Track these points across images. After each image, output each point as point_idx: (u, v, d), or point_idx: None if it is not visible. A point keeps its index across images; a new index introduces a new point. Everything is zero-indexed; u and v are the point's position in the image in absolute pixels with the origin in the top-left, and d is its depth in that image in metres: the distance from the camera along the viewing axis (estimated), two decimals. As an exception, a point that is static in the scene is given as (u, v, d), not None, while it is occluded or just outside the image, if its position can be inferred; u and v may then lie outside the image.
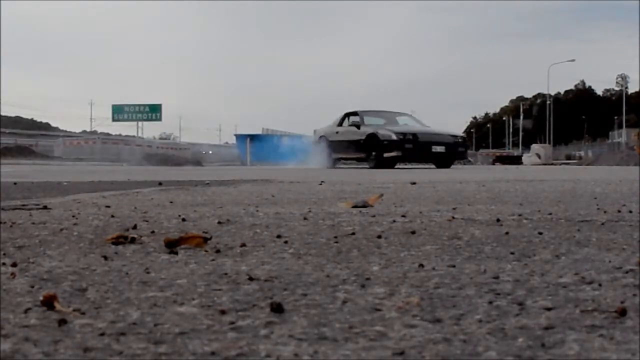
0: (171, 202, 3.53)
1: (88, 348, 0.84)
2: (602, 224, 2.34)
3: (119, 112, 42.65)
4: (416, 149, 16.72)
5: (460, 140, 17.92)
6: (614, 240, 1.88)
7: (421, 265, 1.45)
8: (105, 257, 1.57)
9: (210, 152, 47.42)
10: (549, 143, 58.19)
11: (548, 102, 69.25)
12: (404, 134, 16.79)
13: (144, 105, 42.54)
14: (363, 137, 17.17)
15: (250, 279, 1.30)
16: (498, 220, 2.48)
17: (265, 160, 25.98)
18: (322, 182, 6.18)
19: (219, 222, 2.43)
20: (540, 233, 2.05)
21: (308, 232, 2.13)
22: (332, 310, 1.04)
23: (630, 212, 2.80)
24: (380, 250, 1.69)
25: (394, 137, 16.67)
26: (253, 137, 28.43)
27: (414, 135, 16.87)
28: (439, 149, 17.00)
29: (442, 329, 0.93)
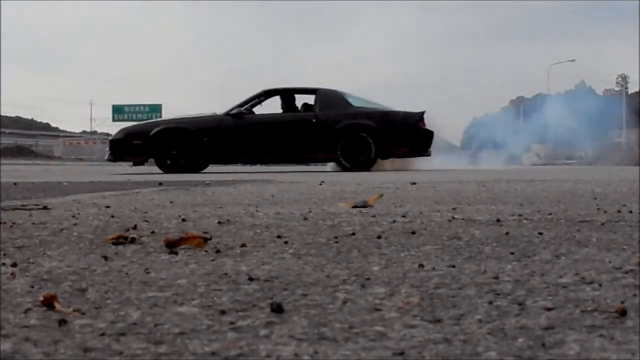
0: (171, 202, 3.53)
1: (88, 348, 0.84)
2: (602, 224, 2.34)
3: (119, 112, 42.69)
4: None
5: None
6: (614, 241, 1.88)
7: (421, 265, 1.45)
8: (105, 257, 1.57)
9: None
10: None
11: (548, 102, 69.20)
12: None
13: (144, 105, 42.56)
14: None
15: (250, 279, 1.30)
16: (498, 220, 2.48)
17: None
18: (322, 182, 6.19)
19: (219, 222, 2.43)
20: (540, 233, 2.05)
21: (308, 232, 2.13)
22: (332, 310, 1.04)
23: (631, 212, 2.80)
24: (380, 251, 1.69)
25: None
26: None
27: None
28: None
29: (442, 329, 0.93)
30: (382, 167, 12.10)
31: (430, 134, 12.05)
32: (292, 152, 11.85)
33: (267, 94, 12.37)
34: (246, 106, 11.96)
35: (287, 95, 12.49)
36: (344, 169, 11.57)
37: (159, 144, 11.35)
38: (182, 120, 11.88)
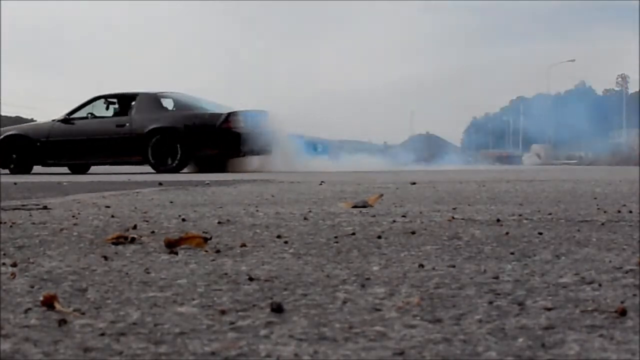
0: (171, 202, 3.53)
1: (88, 348, 0.84)
2: (602, 224, 2.34)
3: (119, 112, 42.58)
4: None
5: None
6: (614, 240, 1.88)
7: (421, 265, 1.45)
8: (105, 257, 1.57)
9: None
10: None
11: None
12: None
13: (144, 105, 42.44)
14: None
15: (250, 279, 1.30)
16: (498, 220, 2.48)
17: None
18: (322, 182, 6.19)
19: (219, 222, 2.43)
20: (540, 233, 2.05)
21: (308, 232, 2.13)
22: (332, 310, 1.04)
23: (630, 212, 2.80)
24: (380, 250, 1.69)
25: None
26: None
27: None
28: None
29: (442, 329, 0.93)
30: (243, 168, 12.01)
31: (237, 135, 11.68)
32: (109, 154, 12.36)
33: (99, 99, 12.99)
34: (77, 112, 12.85)
35: (120, 100, 12.91)
36: (158, 171, 11.66)
37: (1, 148, 12.81)
38: (23, 127, 13.65)
